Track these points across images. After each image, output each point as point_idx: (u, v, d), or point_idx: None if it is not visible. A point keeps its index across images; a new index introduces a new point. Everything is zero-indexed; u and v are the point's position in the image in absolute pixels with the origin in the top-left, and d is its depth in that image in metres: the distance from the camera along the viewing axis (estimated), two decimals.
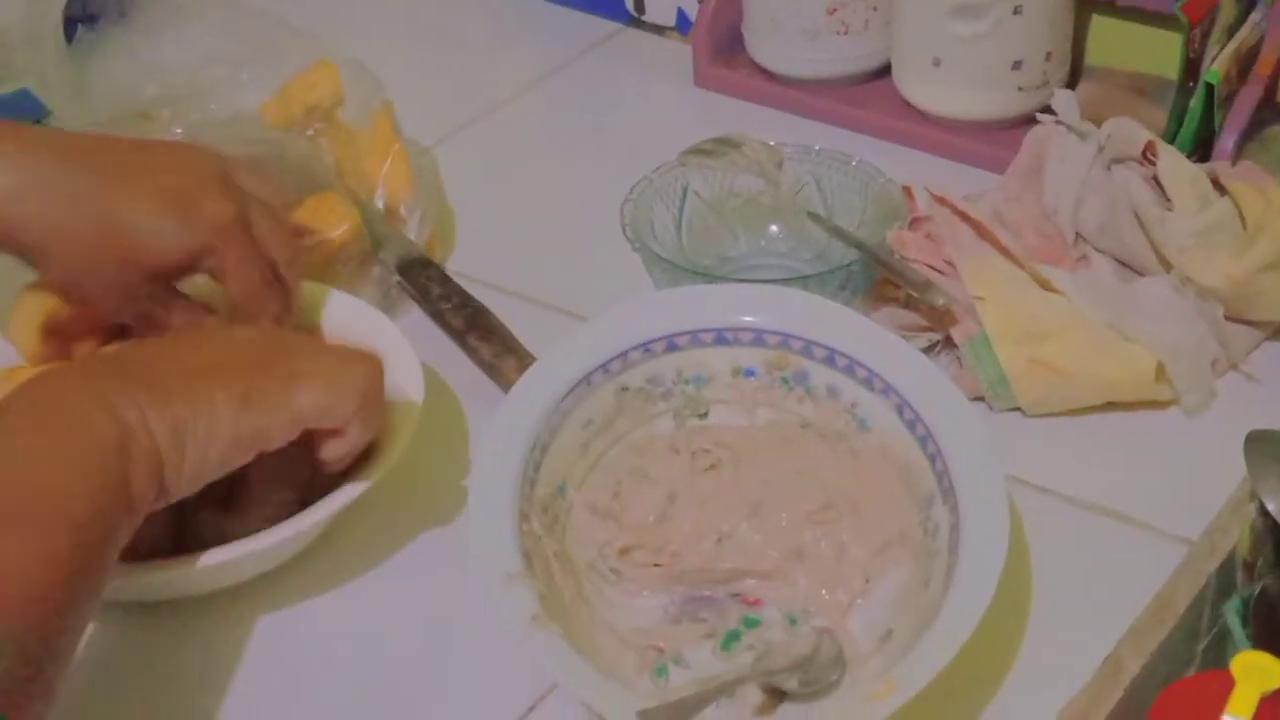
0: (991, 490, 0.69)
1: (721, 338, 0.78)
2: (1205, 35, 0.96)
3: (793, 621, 0.73)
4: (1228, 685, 0.62)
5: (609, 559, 0.74)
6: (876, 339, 0.76)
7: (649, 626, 0.73)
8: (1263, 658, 0.62)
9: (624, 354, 0.77)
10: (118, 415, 0.63)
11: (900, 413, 0.74)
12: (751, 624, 0.73)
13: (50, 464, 0.61)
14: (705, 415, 0.79)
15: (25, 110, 1.14)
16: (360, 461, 0.74)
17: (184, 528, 0.73)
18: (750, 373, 0.78)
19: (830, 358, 0.76)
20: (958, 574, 0.66)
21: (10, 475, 0.60)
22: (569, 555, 0.73)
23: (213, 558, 0.71)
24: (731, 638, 0.72)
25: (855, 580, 0.73)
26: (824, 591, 0.73)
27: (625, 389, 0.77)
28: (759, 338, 0.77)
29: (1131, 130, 0.89)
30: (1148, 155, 0.89)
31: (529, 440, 0.72)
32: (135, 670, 0.74)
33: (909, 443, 0.73)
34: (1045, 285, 0.86)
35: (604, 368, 0.76)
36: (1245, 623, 0.70)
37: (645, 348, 0.77)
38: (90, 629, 0.75)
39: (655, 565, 0.74)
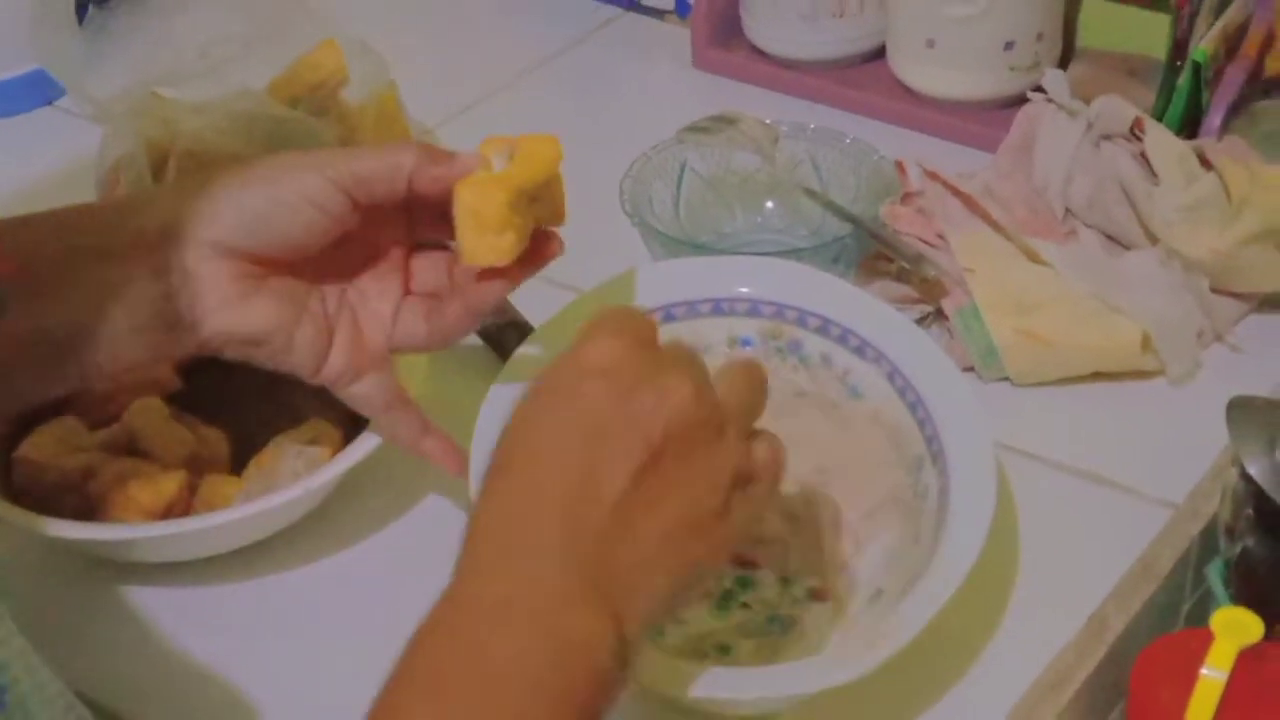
0: (978, 452, 0.71)
1: (718, 308, 0.79)
2: (1193, 15, 0.98)
3: (786, 582, 0.74)
4: (1208, 641, 0.64)
5: None
6: (868, 308, 0.78)
7: None
8: (1241, 613, 0.64)
9: None
10: (617, 625, 0.54)
11: (891, 380, 0.75)
12: (745, 584, 0.74)
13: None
14: None
15: (40, 90, 1.16)
16: (365, 422, 0.76)
17: (198, 489, 0.75)
18: (747, 342, 0.79)
19: (824, 327, 0.78)
20: (946, 530, 0.68)
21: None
22: None
23: (226, 516, 0.73)
24: (726, 597, 0.74)
25: (848, 542, 0.75)
26: (816, 554, 0.75)
27: None
28: (754, 308, 0.79)
29: (1120, 107, 0.91)
30: (1135, 132, 0.90)
31: None
32: (152, 629, 0.76)
33: (899, 408, 0.75)
34: (1034, 258, 0.88)
35: None
36: (1227, 583, 0.72)
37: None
38: (104, 588, 0.77)
39: None
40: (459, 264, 0.69)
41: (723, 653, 0.71)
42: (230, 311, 0.68)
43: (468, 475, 0.71)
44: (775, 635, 0.72)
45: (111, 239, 0.67)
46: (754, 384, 0.62)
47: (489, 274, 0.68)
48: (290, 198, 0.67)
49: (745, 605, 0.73)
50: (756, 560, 0.75)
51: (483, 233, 0.66)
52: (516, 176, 0.66)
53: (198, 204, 0.67)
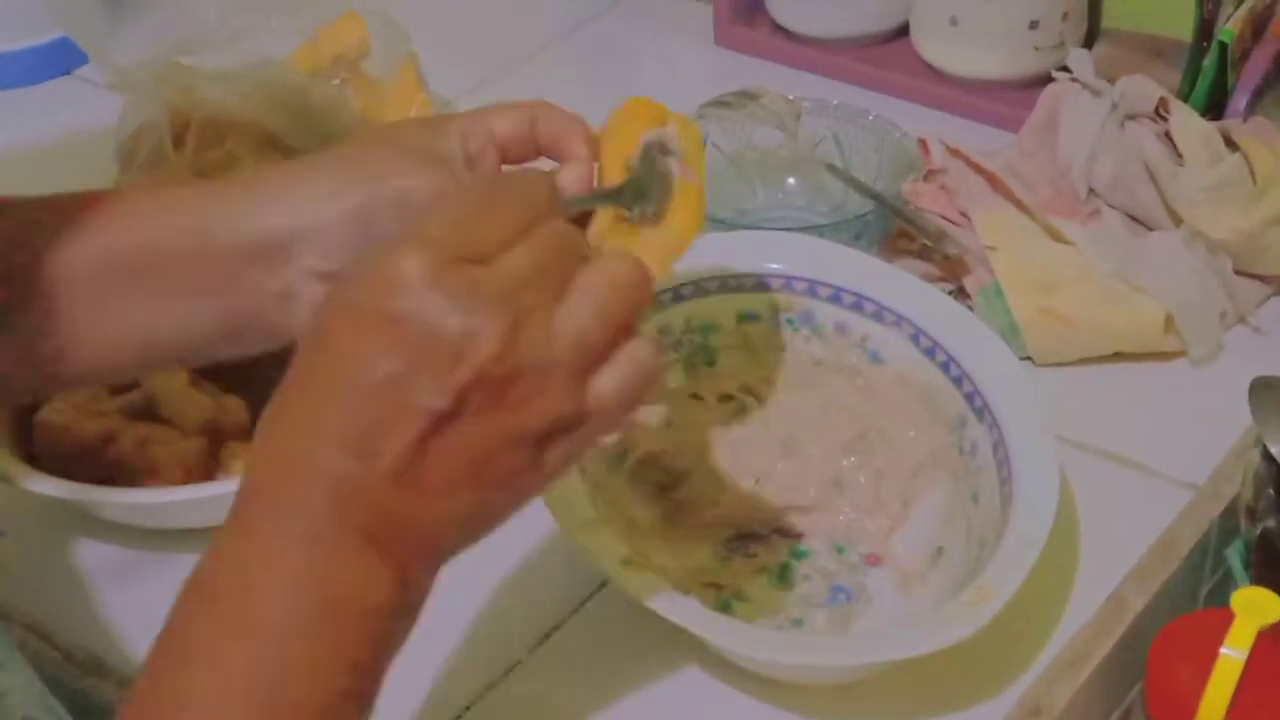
0: (1026, 402, 0.71)
1: (725, 285, 0.79)
2: None
3: (839, 550, 0.75)
4: (1227, 621, 0.63)
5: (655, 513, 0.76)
6: (883, 274, 0.78)
7: (701, 567, 0.75)
8: (1261, 593, 0.64)
9: None
10: (398, 574, 0.50)
11: (915, 341, 0.75)
12: (800, 555, 0.75)
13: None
14: (714, 363, 0.80)
15: (60, 59, 1.16)
16: None
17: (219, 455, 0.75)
18: (754, 316, 0.79)
19: (836, 295, 0.78)
20: (1016, 483, 0.68)
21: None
22: (620, 504, 0.75)
23: None
24: (785, 570, 0.74)
25: (894, 504, 0.75)
26: (866, 519, 0.75)
27: None
28: (762, 282, 0.79)
29: (1145, 87, 0.91)
30: (1160, 112, 0.90)
31: None
32: (171, 596, 0.76)
33: (928, 369, 0.75)
34: (1057, 237, 0.87)
35: None
36: (1247, 565, 0.72)
37: (654, 299, 0.78)
38: (120, 554, 0.77)
39: (706, 519, 0.76)
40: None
41: (796, 625, 0.72)
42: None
43: None
44: (843, 604, 0.73)
45: (197, 241, 0.62)
46: (617, 299, 0.52)
47: None
48: (397, 219, 0.61)
49: (806, 577, 0.74)
50: (803, 531, 0.76)
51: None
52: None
53: (303, 223, 0.61)
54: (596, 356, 0.51)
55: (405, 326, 0.49)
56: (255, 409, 0.80)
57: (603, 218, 0.61)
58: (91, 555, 0.78)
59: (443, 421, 0.49)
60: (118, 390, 0.79)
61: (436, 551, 0.52)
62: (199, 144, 0.89)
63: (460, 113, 0.65)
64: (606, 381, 0.52)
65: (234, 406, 0.79)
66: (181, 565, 0.76)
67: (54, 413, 0.77)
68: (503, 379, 0.49)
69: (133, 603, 0.76)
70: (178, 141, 0.89)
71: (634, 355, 0.52)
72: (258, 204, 0.63)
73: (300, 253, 0.62)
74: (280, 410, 0.51)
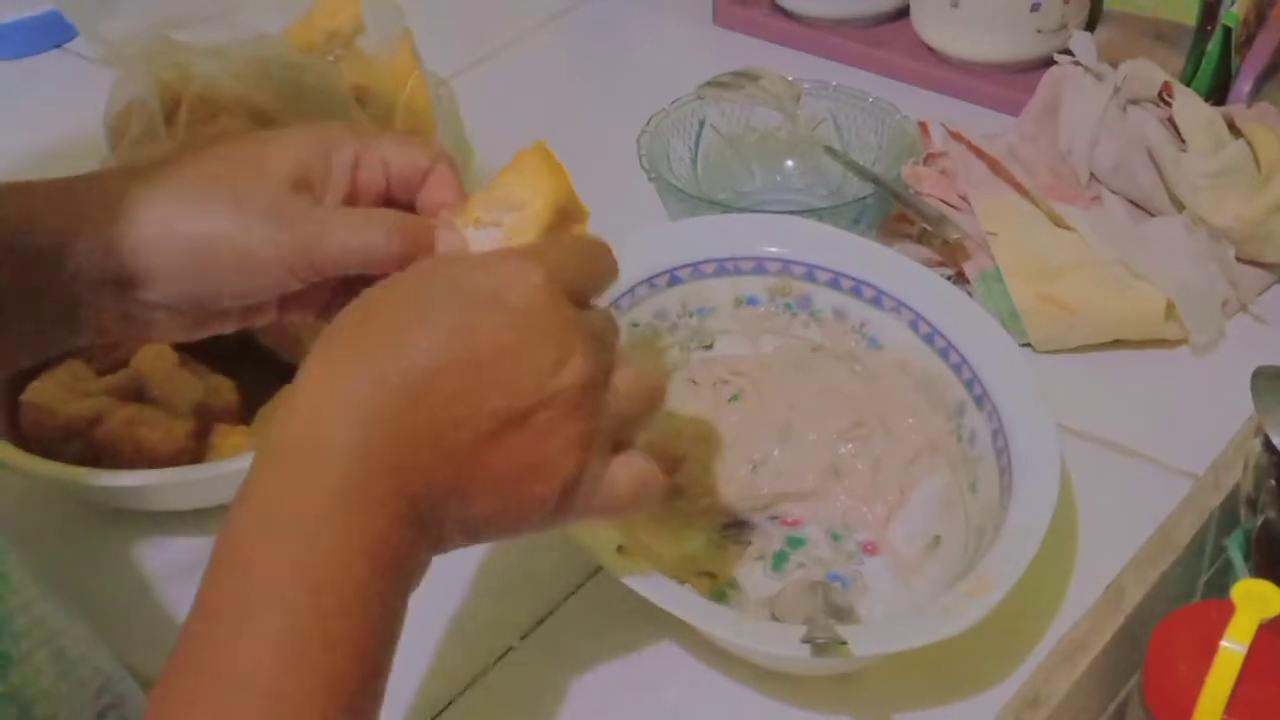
0: (1026, 390, 0.71)
1: (722, 268, 0.78)
2: None
3: (836, 538, 0.74)
4: (1227, 612, 0.63)
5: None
6: (882, 259, 0.77)
7: (695, 554, 0.74)
8: (1262, 585, 0.63)
9: (631, 290, 0.77)
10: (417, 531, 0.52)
11: (915, 328, 0.75)
12: (796, 543, 0.74)
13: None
14: (711, 346, 0.80)
15: (51, 32, 1.15)
16: None
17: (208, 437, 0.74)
18: (752, 301, 0.79)
19: (834, 280, 0.77)
20: (1016, 472, 0.68)
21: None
22: None
23: (238, 464, 0.72)
24: (780, 558, 0.74)
25: (891, 492, 0.74)
26: (863, 507, 0.75)
27: (635, 324, 0.78)
28: (759, 265, 0.78)
29: (1148, 71, 0.90)
30: (1164, 97, 0.89)
31: None
32: (159, 579, 0.75)
33: (928, 355, 0.74)
34: (1058, 222, 0.86)
35: (615, 304, 0.77)
36: (1247, 556, 0.71)
37: (650, 283, 0.78)
38: (111, 535, 0.77)
39: (700, 506, 0.76)
40: None
41: None
42: (184, 334, 0.63)
43: None
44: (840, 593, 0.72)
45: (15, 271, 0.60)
46: (650, 396, 0.58)
47: None
48: (238, 280, 0.60)
49: (801, 565, 0.73)
50: (800, 518, 0.75)
51: None
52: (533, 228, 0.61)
53: (141, 264, 0.60)
54: (623, 436, 0.57)
55: (519, 320, 0.53)
56: (245, 390, 0.79)
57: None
58: (80, 537, 0.77)
59: (520, 418, 0.52)
60: (105, 370, 0.78)
61: (442, 542, 0.53)
62: (191, 120, 0.87)
63: (353, 132, 0.63)
64: (621, 473, 0.56)
65: (223, 387, 0.79)
66: (170, 548, 0.76)
67: (41, 393, 0.76)
68: (573, 408, 0.53)
69: (121, 584, 0.75)
70: (169, 118, 0.88)
71: (639, 463, 0.57)
72: (107, 237, 0.60)
73: (134, 289, 0.60)
74: (341, 356, 0.52)
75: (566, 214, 0.62)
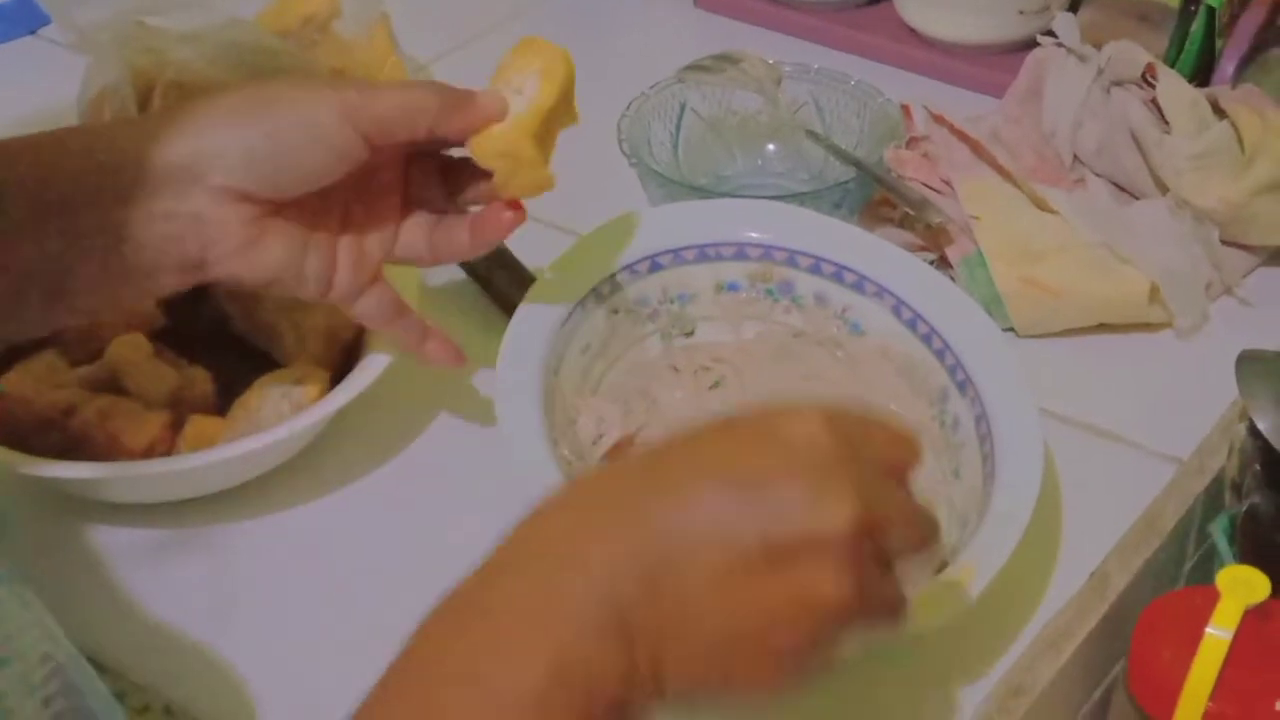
0: (1010, 376, 0.71)
1: (703, 254, 0.78)
2: None
3: None
4: (1213, 599, 0.62)
5: None
6: (865, 244, 0.77)
7: None
8: (1248, 572, 0.63)
9: (612, 276, 0.77)
10: (629, 656, 0.47)
11: (897, 313, 0.74)
12: None
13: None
14: (692, 333, 0.79)
15: (23, 18, 1.14)
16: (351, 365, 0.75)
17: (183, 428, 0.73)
18: (733, 287, 0.78)
19: (816, 266, 0.76)
20: (1000, 458, 0.67)
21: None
22: None
23: (211, 456, 0.71)
24: None
25: None
26: None
27: (616, 311, 0.77)
28: (740, 251, 0.77)
29: (1132, 53, 0.89)
30: (1147, 78, 0.89)
31: (543, 367, 0.72)
32: (133, 571, 0.74)
33: (910, 341, 0.74)
34: (1041, 205, 0.86)
35: (595, 291, 0.76)
36: (1232, 541, 0.71)
37: (631, 269, 0.77)
38: (85, 528, 0.76)
39: None
40: (490, 195, 0.69)
41: None
42: (243, 257, 0.66)
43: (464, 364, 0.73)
44: None
45: (109, 176, 0.64)
46: (927, 526, 0.53)
47: (506, 207, 0.68)
48: (305, 141, 0.64)
49: None
50: None
51: (520, 170, 0.66)
52: (540, 110, 0.66)
53: (206, 143, 0.64)
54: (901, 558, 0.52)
55: (795, 456, 0.48)
56: (220, 381, 0.78)
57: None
58: (53, 530, 0.76)
59: (763, 570, 0.47)
60: (79, 361, 0.77)
61: (674, 681, 0.48)
62: (164, 106, 0.86)
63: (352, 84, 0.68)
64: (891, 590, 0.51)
65: (199, 379, 0.78)
66: (145, 541, 0.75)
67: (12, 384, 0.75)
68: (826, 553, 0.48)
69: (90, 576, 0.74)
70: (143, 103, 0.87)
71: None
72: (159, 134, 0.64)
73: (204, 173, 0.64)
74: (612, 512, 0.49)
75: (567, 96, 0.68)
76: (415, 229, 0.70)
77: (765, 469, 0.48)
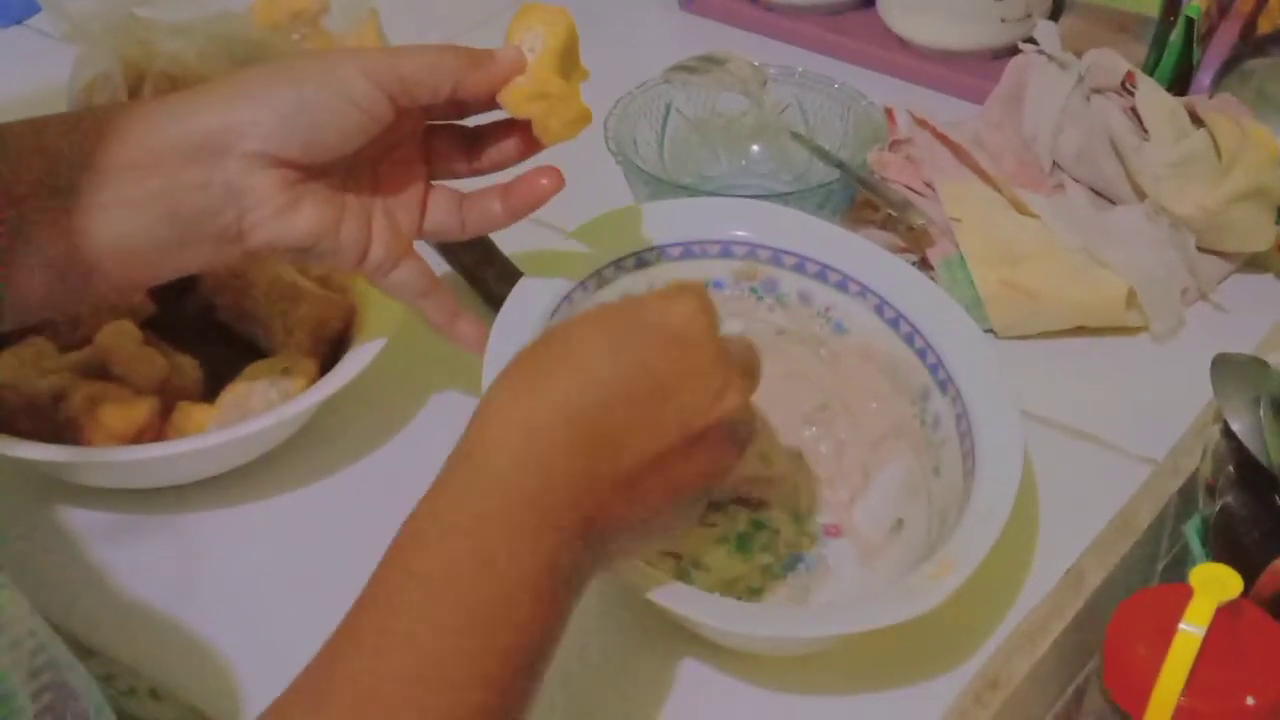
0: (991, 375, 0.72)
1: (688, 251, 0.78)
2: None
3: (799, 520, 0.75)
4: (1186, 596, 0.63)
5: None
6: (848, 244, 0.78)
7: None
8: (1221, 569, 0.64)
9: (598, 272, 0.77)
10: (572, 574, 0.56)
11: (880, 312, 0.75)
12: (759, 525, 0.74)
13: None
14: None
15: (13, 8, 1.14)
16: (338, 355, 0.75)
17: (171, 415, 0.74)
18: (718, 284, 0.79)
19: (800, 265, 0.77)
20: (980, 456, 0.68)
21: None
22: None
23: (199, 442, 0.72)
24: (744, 539, 0.74)
25: (855, 475, 0.75)
26: (826, 489, 0.75)
27: None
28: (725, 249, 0.78)
29: (1112, 61, 0.90)
30: (1127, 86, 0.90)
31: None
32: (122, 557, 0.75)
33: (892, 340, 0.75)
34: (1022, 209, 0.87)
35: (582, 286, 0.77)
36: (1205, 541, 0.72)
37: (616, 265, 0.78)
38: (73, 513, 0.76)
39: None
40: (523, 151, 0.72)
41: (754, 595, 0.71)
42: (281, 221, 0.67)
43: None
44: (802, 574, 0.72)
45: (139, 150, 0.65)
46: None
47: (542, 175, 0.70)
48: (334, 101, 0.65)
49: (765, 547, 0.73)
50: (766, 500, 0.75)
51: (555, 108, 0.68)
52: (555, 49, 0.68)
53: (237, 112, 0.65)
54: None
55: (691, 353, 0.58)
56: (208, 368, 0.79)
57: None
58: (37, 514, 0.77)
59: (681, 447, 0.57)
60: (69, 347, 0.78)
61: (608, 560, 0.58)
62: (155, 97, 0.87)
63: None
64: None
65: (187, 366, 0.78)
66: (133, 527, 0.75)
67: (2, 369, 0.75)
68: (732, 432, 0.59)
69: (82, 562, 0.74)
70: (133, 95, 0.88)
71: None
72: (192, 105, 0.66)
73: (238, 141, 0.65)
74: (523, 381, 0.57)
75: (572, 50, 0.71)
76: (443, 202, 0.72)
77: (673, 373, 0.57)
